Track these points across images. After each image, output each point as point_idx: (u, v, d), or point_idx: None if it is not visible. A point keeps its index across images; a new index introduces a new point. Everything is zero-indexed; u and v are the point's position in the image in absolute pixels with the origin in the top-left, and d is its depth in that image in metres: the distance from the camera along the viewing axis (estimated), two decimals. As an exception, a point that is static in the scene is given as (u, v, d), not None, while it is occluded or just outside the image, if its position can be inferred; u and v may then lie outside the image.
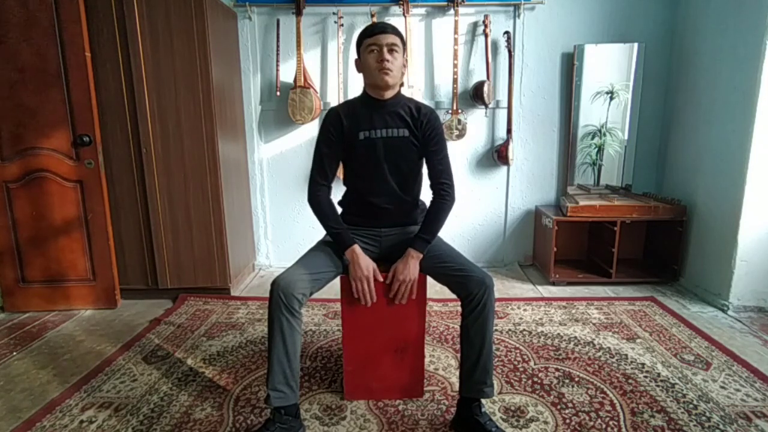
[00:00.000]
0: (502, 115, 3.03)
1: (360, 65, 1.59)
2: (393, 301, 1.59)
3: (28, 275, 2.49)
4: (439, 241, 1.65)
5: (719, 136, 2.51)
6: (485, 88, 2.86)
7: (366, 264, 1.55)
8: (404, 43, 1.57)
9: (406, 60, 1.61)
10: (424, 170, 1.68)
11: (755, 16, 2.25)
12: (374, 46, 1.51)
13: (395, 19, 2.89)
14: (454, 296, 1.53)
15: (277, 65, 2.92)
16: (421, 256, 1.56)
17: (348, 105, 1.65)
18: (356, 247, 1.57)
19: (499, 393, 1.72)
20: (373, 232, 1.68)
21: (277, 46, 2.91)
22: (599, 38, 2.95)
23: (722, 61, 2.49)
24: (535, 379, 1.80)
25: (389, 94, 1.58)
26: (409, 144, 1.59)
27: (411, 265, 1.55)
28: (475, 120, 3.05)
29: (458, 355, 1.90)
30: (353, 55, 2.97)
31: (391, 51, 1.51)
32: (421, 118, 1.59)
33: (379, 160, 1.59)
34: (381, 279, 1.58)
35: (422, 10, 2.94)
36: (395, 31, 1.53)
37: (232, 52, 2.85)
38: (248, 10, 2.91)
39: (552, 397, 1.69)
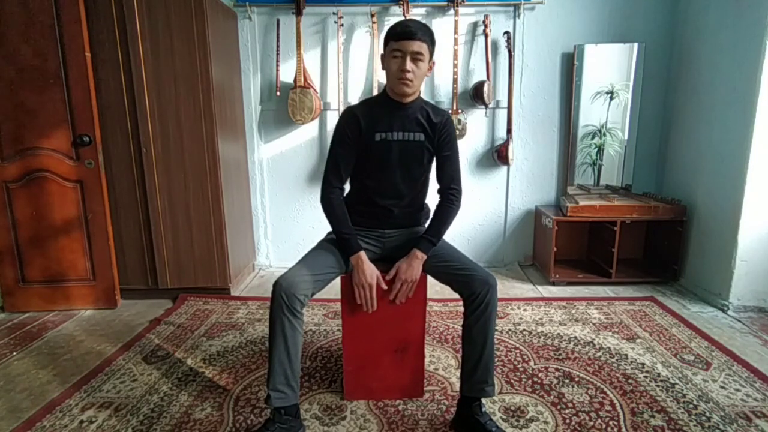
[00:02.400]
0: (502, 115, 3.03)
1: (384, 63, 1.55)
2: (393, 301, 1.59)
3: (28, 275, 2.49)
4: (441, 241, 1.65)
5: (719, 136, 2.51)
6: (485, 88, 2.86)
7: (370, 271, 1.55)
8: (434, 46, 1.51)
9: (433, 63, 1.56)
10: (432, 175, 1.68)
11: (755, 16, 2.25)
12: (398, 52, 1.46)
13: (395, 19, 2.88)
14: (454, 296, 1.53)
15: (277, 65, 2.92)
16: (426, 257, 1.56)
17: (365, 105, 1.63)
18: (362, 254, 1.56)
19: (499, 393, 1.72)
20: (377, 233, 1.68)
21: (277, 46, 2.91)
22: (599, 38, 2.95)
23: (722, 61, 2.49)
24: (535, 379, 1.80)
25: (410, 99, 1.56)
26: (423, 149, 1.59)
27: (414, 266, 1.55)
28: (475, 120, 3.05)
29: (458, 355, 1.90)
30: (353, 55, 2.97)
31: (414, 60, 1.46)
32: (436, 122, 1.58)
33: (393, 162, 1.58)
34: (385, 286, 1.57)
35: (422, 10, 2.94)
36: (424, 37, 1.46)
37: (232, 52, 2.85)
38: (248, 10, 2.91)
39: (552, 397, 1.69)
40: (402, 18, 2.83)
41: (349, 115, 1.59)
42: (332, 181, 1.60)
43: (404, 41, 1.45)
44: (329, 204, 1.59)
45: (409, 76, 1.46)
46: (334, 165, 1.60)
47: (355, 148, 1.59)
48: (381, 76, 2.92)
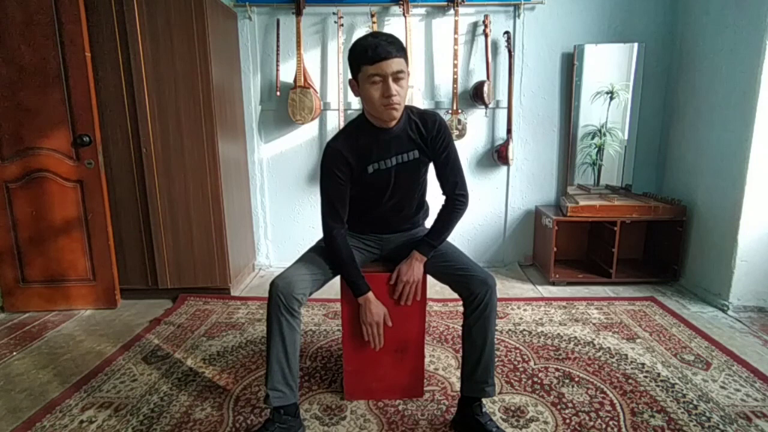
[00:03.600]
0: (502, 115, 3.03)
1: (357, 90, 1.39)
2: (398, 303, 1.59)
3: (28, 275, 2.49)
4: (442, 242, 1.65)
5: (719, 136, 2.51)
6: (485, 88, 2.86)
7: (378, 310, 1.55)
8: (407, 57, 1.38)
9: (408, 74, 1.42)
10: (431, 174, 1.63)
11: (755, 16, 2.25)
12: (377, 77, 1.31)
13: (395, 19, 2.89)
14: (454, 296, 1.53)
15: (277, 65, 2.92)
16: (426, 259, 1.56)
17: (348, 138, 1.47)
18: (370, 294, 1.54)
19: (499, 393, 1.72)
20: (376, 237, 1.68)
21: (277, 46, 2.90)
22: (599, 38, 2.94)
23: (722, 61, 2.49)
24: (535, 379, 1.80)
25: (395, 122, 1.44)
26: (419, 164, 1.52)
27: (415, 267, 1.55)
28: (475, 120, 3.05)
29: (458, 355, 1.90)
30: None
31: (396, 80, 1.32)
32: (429, 133, 1.48)
33: (389, 185, 1.52)
34: (390, 324, 1.58)
35: (422, 10, 2.94)
36: (399, 52, 1.31)
37: (232, 52, 2.85)
38: (248, 10, 2.91)
39: (552, 397, 1.69)
40: (402, 18, 2.82)
41: (334, 155, 1.44)
42: (333, 224, 1.50)
43: (381, 63, 1.28)
44: (334, 245, 1.51)
45: (396, 99, 1.33)
46: (331, 208, 1.50)
47: (348, 186, 1.49)
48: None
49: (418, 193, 1.62)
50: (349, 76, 1.43)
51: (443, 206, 1.57)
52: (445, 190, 1.57)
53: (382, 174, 1.49)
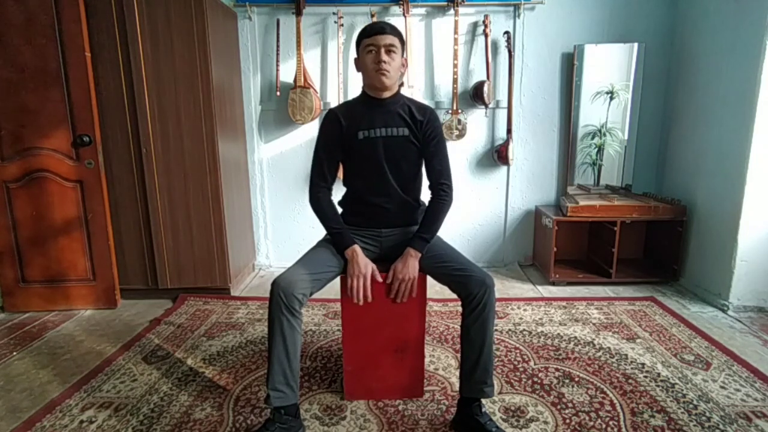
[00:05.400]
0: (502, 115, 3.03)
1: (359, 65, 1.60)
2: (394, 301, 1.59)
3: (28, 275, 2.49)
4: (439, 241, 1.65)
5: (719, 136, 2.51)
6: (485, 88, 2.86)
7: (364, 263, 1.56)
8: (403, 43, 1.58)
9: (406, 60, 1.62)
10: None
11: (755, 16, 2.25)
12: (372, 46, 1.52)
13: (395, 19, 2.89)
14: (454, 296, 1.53)
15: (277, 65, 2.92)
16: (420, 255, 1.57)
17: (346, 105, 1.67)
18: (356, 247, 1.57)
19: (499, 393, 1.72)
20: (374, 232, 1.68)
21: (277, 46, 2.91)
22: (599, 38, 2.95)
23: (722, 61, 2.49)
24: (535, 379, 1.80)
25: (387, 93, 1.59)
26: (408, 143, 1.60)
27: (410, 264, 1.55)
28: (475, 120, 3.05)
29: (458, 355, 1.90)
30: (353, 54, 2.96)
31: (389, 52, 1.52)
32: (420, 118, 1.60)
33: (380, 159, 1.59)
34: (380, 279, 1.58)
35: (422, 10, 2.94)
36: (394, 32, 1.53)
37: (232, 52, 2.85)
38: (248, 10, 2.91)
39: (552, 397, 1.69)
40: (402, 18, 2.83)
41: (330, 116, 1.62)
42: (318, 181, 1.63)
43: (377, 36, 1.51)
44: (317, 202, 1.63)
45: (386, 66, 1.51)
46: (318, 165, 1.64)
47: (337, 147, 1.62)
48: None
49: (412, 181, 1.66)
50: (354, 56, 1.63)
51: (429, 200, 1.63)
52: (431, 180, 1.64)
53: (371, 142, 1.58)
